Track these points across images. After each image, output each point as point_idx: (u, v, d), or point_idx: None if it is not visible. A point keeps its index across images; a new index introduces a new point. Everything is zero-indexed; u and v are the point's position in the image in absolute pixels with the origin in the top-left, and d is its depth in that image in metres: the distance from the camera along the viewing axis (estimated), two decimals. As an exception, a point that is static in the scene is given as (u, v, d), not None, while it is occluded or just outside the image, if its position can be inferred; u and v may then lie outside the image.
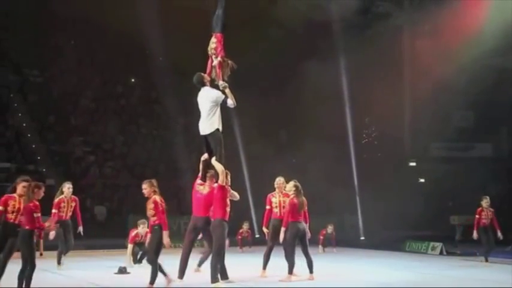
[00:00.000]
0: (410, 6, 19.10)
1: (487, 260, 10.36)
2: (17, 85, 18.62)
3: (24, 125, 17.74)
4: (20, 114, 17.94)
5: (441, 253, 12.38)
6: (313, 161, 16.07)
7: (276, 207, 8.34)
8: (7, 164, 16.30)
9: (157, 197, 6.72)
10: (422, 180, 20.16)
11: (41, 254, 7.48)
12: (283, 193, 8.26)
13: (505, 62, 17.60)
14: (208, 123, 7.21)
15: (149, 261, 6.79)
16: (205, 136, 7.24)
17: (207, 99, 7.31)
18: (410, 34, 19.41)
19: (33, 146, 17.28)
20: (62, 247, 9.21)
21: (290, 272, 7.80)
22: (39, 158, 17.03)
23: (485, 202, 10.19)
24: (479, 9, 16.49)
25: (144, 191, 6.76)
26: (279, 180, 8.42)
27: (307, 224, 7.96)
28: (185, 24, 15.95)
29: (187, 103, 20.17)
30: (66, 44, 19.78)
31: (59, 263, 9.13)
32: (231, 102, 7.26)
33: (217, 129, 7.22)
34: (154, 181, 6.87)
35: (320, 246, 12.68)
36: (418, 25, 19.01)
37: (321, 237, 12.84)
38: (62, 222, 9.05)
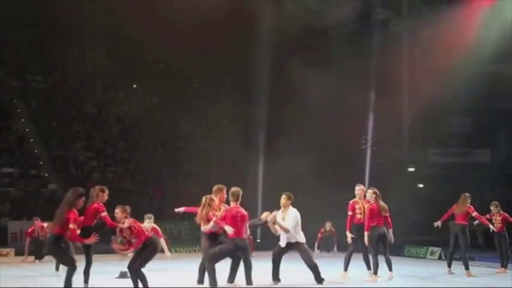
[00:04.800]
0: (409, 14, 19.15)
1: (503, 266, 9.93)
2: (20, 91, 18.62)
3: (27, 130, 17.73)
4: (23, 120, 17.94)
5: (440, 258, 12.33)
6: (311, 166, 16.03)
7: (360, 213, 8.72)
8: (10, 169, 16.27)
9: (128, 221, 6.62)
10: (421, 185, 20.12)
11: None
12: (365, 199, 8.66)
13: (503, 69, 17.61)
14: None
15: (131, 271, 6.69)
16: None
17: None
18: (409, 41, 19.46)
19: (36, 151, 17.26)
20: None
21: (375, 272, 8.35)
22: (41, 163, 17.00)
23: (494, 207, 9.98)
24: (477, 17, 16.53)
25: (116, 215, 6.71)
26: (360, 188, 8.79)
27: (391, 229, 8.49)
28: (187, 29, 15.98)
29: (188, 108, 20.34)
30: (69, 49, 19.81)
31: (57, 268, 8.80)
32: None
33: None
34: (127, 208, 6.82)
35: (316, 249, 12.65)
36: (417, 32, 19.06)
37: (319, 236, 12.84)
38: None
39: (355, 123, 18.36)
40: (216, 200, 7.28)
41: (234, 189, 7.33)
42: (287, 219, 7.73)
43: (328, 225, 12.93)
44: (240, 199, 7.24)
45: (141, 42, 17.48)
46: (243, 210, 7.26)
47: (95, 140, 18.34)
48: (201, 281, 7.31)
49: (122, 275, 8.68)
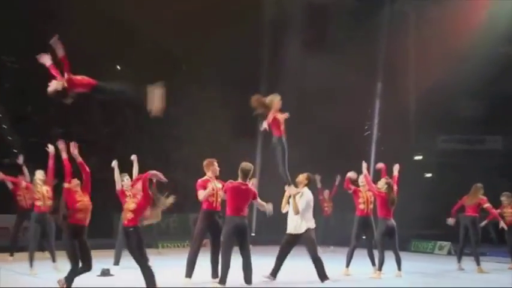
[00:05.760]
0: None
1: None
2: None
3: (-1, 115, 17.52)
4: (-6, 104, 17.72)
5: (449, 253, 12.35)
6: (310, 155, 15.97)
7: (364, 202, 8.64)
8: (-20, 158, 16.11)
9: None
10: (428, 175, 20.13)
11: None
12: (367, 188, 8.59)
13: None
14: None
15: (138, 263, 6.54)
16: None
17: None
18: (417, 21, 19.30)
19: (9, 138, 17.04)
20: (33, 246, 8.78)
21: (380, 268, 8.30)
22: (15, 151, 16.83)
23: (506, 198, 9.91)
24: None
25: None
26: (361, 177, 8.73)
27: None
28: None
29: (177, 92, 20.16)
30: (49, 29, 19.48)
31: (31, 265, 8.73)
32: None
33: None
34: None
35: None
36: (425, 12, 18.89)
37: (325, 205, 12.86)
38: (39, 215, 8.76)
39: (358, 108, 18.28)
40: (210, 173, 7.31)
41: (243, 164, 7.11)
42: (300, 201, 7.56)
43: (326, 193, 13.08)
44: (249, 177, 7.04)
45: (126, 21, 17.23)
46: (251, 188, 7.10)
47: (75, 126, 18.16)
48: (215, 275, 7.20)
49: (104, 273, 8.60)
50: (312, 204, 7.66)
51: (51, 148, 7.76)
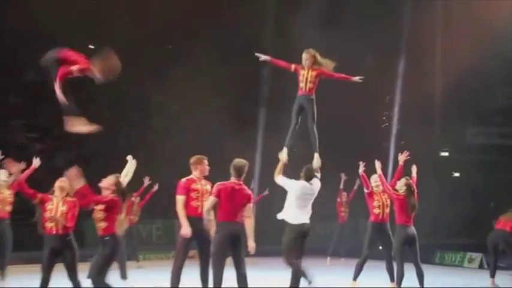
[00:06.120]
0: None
1: None
2: None
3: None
4: None
5: (481, 266, 12.37)
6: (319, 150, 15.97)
7: (379, 206, 8.67)
8: None
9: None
10: (456, 174, 20.18)
11: None
12: (383, 190, 8.60)
13: None
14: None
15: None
16: None
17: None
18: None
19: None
20: None
21: (398, 284, 8.24)
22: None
23: None
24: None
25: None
26: (374, 177, 8.74)
27: None
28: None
29: (162, 76, 20.12)
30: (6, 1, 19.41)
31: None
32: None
33: None
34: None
35: (328, 258, 12.71)
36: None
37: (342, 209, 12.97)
38: None
39: (375, 95, 18.27)
40: (197, 173, 7.23)
41: (236, 161, 7.06)
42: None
43: (344, 196, 13.12)
44: (243, 175, 7.03)
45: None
46: (245, 188, 7.06)
47: (40, 117, 18.12)
48: None
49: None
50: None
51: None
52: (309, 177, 7.53)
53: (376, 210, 8.67)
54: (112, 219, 6.42)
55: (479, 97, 19.85)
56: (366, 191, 8.74)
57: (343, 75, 7.79)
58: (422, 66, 18.33)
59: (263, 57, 7.78)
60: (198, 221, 7.12)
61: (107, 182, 6.57)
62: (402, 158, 8.50)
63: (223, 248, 6.91)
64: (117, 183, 6.57)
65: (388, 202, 8.69)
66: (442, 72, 19.27)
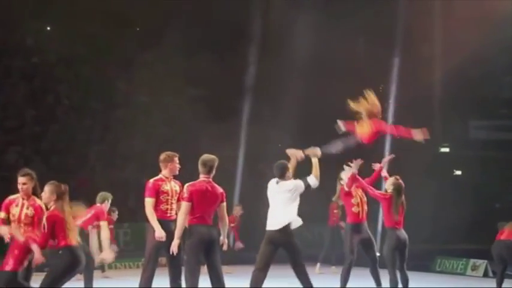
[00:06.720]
0: None
1: None
2: None
3: None
4: None
5: (486, 274, 12.47)
6: (305, 144, 15.98)
7: (358, 204, 8.74)
8: None
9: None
10: (457, 172, 20.33)
11: None
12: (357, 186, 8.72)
13: None
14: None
15: None
16: None
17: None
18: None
19: None
20: None
21: None
22: None
23: None
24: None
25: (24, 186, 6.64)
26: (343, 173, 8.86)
27: None
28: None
29: (129, 61, 19.98)
30: None
31: None
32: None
33: None
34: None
35: (318, 265, 12.69)
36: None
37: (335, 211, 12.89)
38: None
39: (367, 85, 18.25)
40: (166, 172, 7.28)
41: (204, 156, 7.13)
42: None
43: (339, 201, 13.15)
44: (213, 171, 7.07)
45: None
46: (217, 186, 7.08)
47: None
48: None
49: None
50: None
51: None
52: (277, 175, 7.56)
53: (355, 209, 8.74)
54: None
55: (483, 87, 20.02)
56: (345, 189, 8.77)
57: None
58: (420, 53, 18.41)
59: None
60: (168, 224, 7.15)
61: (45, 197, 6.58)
62: (385, 160, 8.84)
63: (197, 254, 6.82)
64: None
65: (365, 198, 8.81)
66: (441, 61, 19.37)
